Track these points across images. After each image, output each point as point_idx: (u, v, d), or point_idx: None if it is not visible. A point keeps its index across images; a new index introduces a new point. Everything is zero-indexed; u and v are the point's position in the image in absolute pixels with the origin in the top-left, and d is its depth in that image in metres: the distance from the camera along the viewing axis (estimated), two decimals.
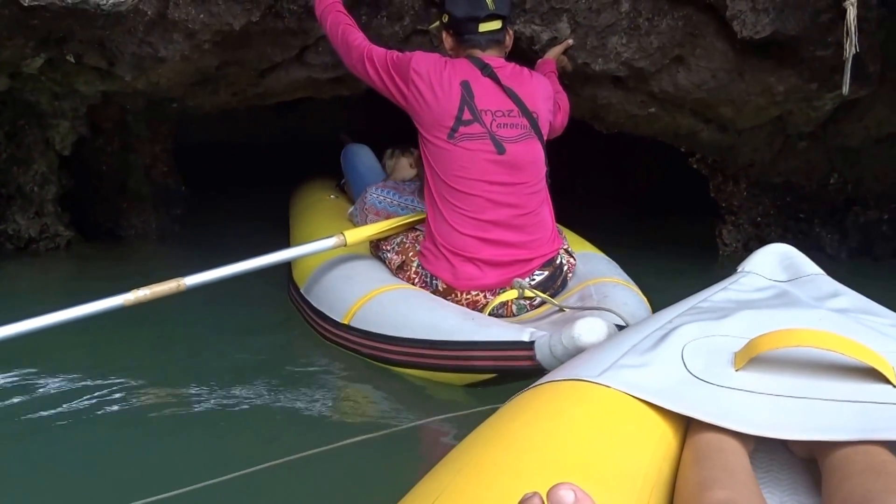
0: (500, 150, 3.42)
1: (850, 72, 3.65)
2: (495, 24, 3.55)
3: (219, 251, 4.16)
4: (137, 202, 5.81)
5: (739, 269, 2.43)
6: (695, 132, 4.85)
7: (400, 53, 3.55)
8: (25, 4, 3.45)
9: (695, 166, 5.36)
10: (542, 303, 3.39)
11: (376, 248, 3.83)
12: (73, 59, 4.13)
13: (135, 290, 3.11)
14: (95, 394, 2.90)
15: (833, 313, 1.95)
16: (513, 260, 3.45)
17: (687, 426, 1.61)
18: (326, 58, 4.50)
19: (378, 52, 3.58)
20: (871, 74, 4.14)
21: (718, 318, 1.93)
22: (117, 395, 2.91)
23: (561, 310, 3.27)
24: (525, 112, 3.49)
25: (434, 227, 3.51)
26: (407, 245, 3.68)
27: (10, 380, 3.00)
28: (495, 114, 3.45)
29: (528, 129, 3.50)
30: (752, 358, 1.68)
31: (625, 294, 3.29)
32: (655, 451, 1.48)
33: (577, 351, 2.50)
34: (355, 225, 4.23)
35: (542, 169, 3.59)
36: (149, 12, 3.76)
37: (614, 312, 2.95)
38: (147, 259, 5.46)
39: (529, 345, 2.68)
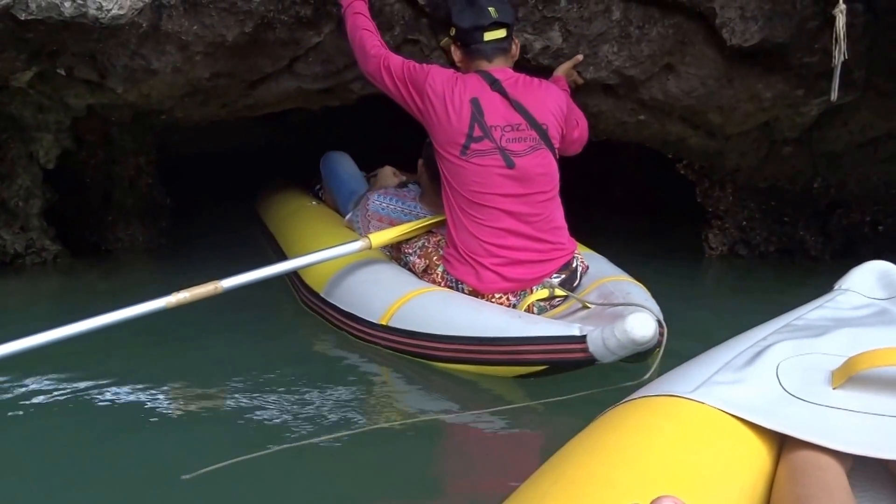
0: (510, 165, 3.55)
1: (839, 78, 3.70)
2: (500, 33, 3.67)
3: (208, 264, 4.30)
4: (123, 215, 5.75)
5: (836, 286, 2.40)
6: (683, 139, 4.92)
7: (417, 65, 3.66)
8: (22, 18, 3.44)
9: (682, 172, 5.42)
10: (561, 302, 3.57)
11: (397, 251, 3.98)
12: (63, 73, 4.12)
13: (175, 293, 3.26)
14: (145, 391, 3.08)
15: None
16: (532, 263, 3.60)
17: (782, 444, 1.59)
18: (317, 68, 4.51)
19: (395, 61, 3.69)
20: (857, 80, 4.21)
21: (815, 336, 1.92)
22: (165, 389, 3.12)
23: (584, 307, 3.40)
24: (534, 124, 3.59)
25: (455, 234, 3.65)
26: (430, 249, 3.84)
27: (57, 383, 3.12)
28: (504, 129, 3.56)
29: (538, 140, 3.60)
30: (851, 376, 1.66)
31: (641, 292, 3.46)
32: (750, 469, 1.50)
33: (630, 343, 2.76)
34: (356, 231, 4.41)
35: (555, 177, 3.70)
36: (143, 24, 3.76)
37: (645, 308, 3.03)
38: (136, 272, 5.43)
39: (581, 338, 2.87)
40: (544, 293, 3.54)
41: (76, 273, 5.17)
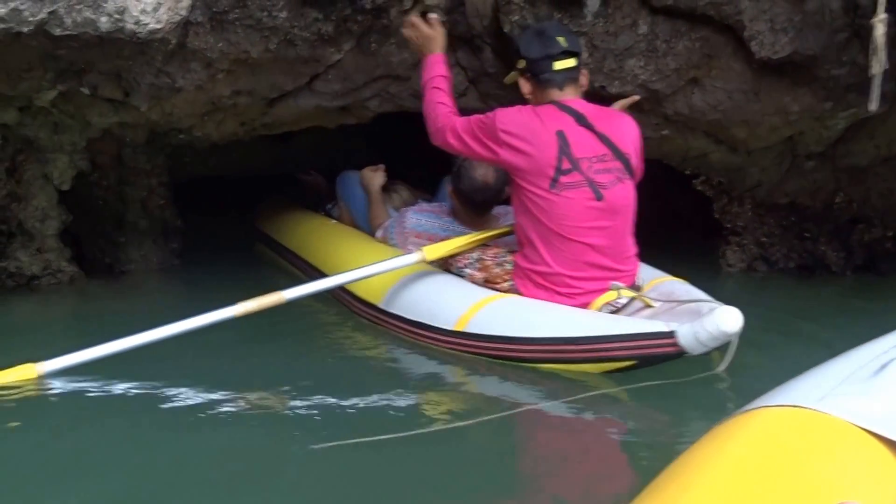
0: (599, 197, 3.58)
1: (878, 88, 3.68)
2: (570, 62, 3.69)
3: (222, 284, 4.41)
4: (136, 236, 5.70)
5: None
6: (705, 154, 4.88)
7: (483, 117, 3.69)
8: (56, 34, 3.41)
9: (699, 188, 5.35)
10: (623, 307, 3.63)
11: (446, 263, 4.03)
12: (88, 91, 4.10)
13: (242, 303, 3.48)
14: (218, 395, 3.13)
15: None
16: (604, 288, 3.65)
17: None
18: (336, 86, 4.52)
19: (460, 123, 3.75)
20: (886, 92, 4.17)
21: None
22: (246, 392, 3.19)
23: (648, 306, 3.56)
24: (618, 154, 3.65)
25: (529, 264, 3.71)
26: (488, 262, 3.92)
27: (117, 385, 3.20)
28: (591, 160, 3.59)
29: (622, 171, 3.65)
30: None
31: (698, 290, 3.64)
32: (884, 485, 1.46)
33: (721, 335, 2.93)
34: (391, 246, 4.55)
35: (635, 208, 3.76)
36: (173, 40, 3.74)
37: (714, 303, 3.27)
38: (151, 293, 5.40)
39: (670, 334, 3.02)
40: (613, 295, 3.61)
41: (92, 294, 5.12)
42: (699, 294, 3.56)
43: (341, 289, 4.24)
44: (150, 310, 4.08)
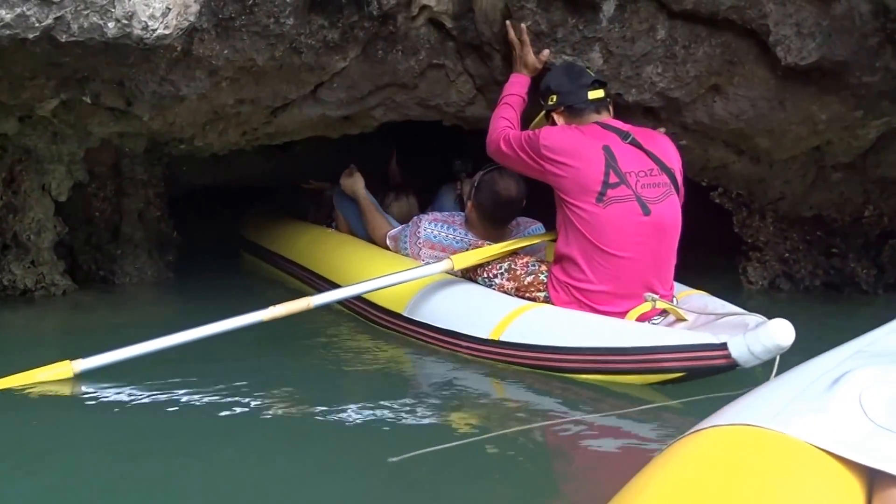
0: (646, 212, 3.60)
1: None
2: (601, 93, 3.81)
3: (218, 298, 4.38)
4: (131, 248, 5.60)
5: None
6: (725, 165, 4.72)
7: (530, 132, 3.78)
8: (63, 40, 3.28)
9: (717, 201, 5.18)
10: (659, 320, 3.71)
11: (474, 273, 4.05)
12: (89, 100, 3.99)
13: (271, 308, 3.58)
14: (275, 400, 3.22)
15: None
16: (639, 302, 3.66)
17: (871, 480, 1.49)
18: (341, 94, 4.43)
19: (513, 134, 3.87)
20: None
21: (894, 363, 1.81)
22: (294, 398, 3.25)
23: (681, 319, 3.64)
24: (664, 169, 3.70)
25: (569, 278, 3.71)
26: (518, 272, 3.93)
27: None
28: (638, 174, 3.62)
29: (669, 185, 3.69)
30: None
31: (728, 303, 3.70)
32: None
33: (775, 348, 2.95)
34: (402, 254, 4.60)
35: (680, 227, 3.77)
36: (178, 47, 3.62)
37: (758, 316, 3.24)
38: (147, 306, 5.30)
39: (722, 346, 3.03)
40: (647, 306, 3.61)
41: (86, 307, 5.02)
42: (733, 307, 3.59)
43: (357, 297, 4.24)
44: (145, 324, 4.04)
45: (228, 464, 2.65)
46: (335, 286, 4.35)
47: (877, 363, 1.81)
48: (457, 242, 4.36)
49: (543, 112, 3.94)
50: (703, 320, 3.54)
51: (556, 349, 3.39)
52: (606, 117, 3.80)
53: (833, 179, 4.87)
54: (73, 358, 3.36)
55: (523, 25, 3.98)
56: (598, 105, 3.79)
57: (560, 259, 3.75)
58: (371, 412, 3.06)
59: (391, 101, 4.59)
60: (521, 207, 4.34)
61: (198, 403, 3.13)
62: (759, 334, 2.97)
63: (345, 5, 3.88)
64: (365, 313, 4.33)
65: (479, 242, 4.23)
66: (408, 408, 3.12)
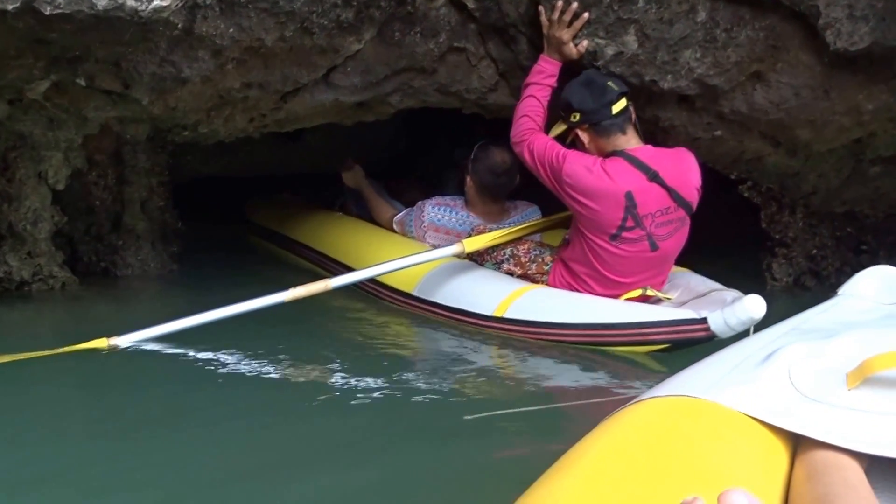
0: (654, 248, 3.82)
1: None
2: (623, 102, 3.80)
3: (223, 291, 4.27)
4: (133, 239, 5.40)
5: (840, 291, 2.46)
6: (760, 157, 4.47)
7: (554, 157, 3.83)
8: (46, 13, 3.02)
9: (745, 194, 4.98)
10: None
11: (482, 258, 4.35)
12: (84, 83, 3.75)
13: (292, 289, 3.87)
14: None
15: None
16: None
17: (796, 445, 1.59)
18: (355, 79, 4.22)
19: (538, 146, 3.92)
20: None
21: (824, 339, 1.92)
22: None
23: (664, 300, 3.97)
24: (682, 203, 3.81)
25: (573, 279, 4.01)
26: (522, 258, 4.25)
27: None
28: (655, 214, 3.77)
29: (683, 219, 3.85)
30: (866, 378, 1.66)
31: (707, 279, 4.10)
32: (767, 468, 1.50)
33: (749, 320, 3.32)
34: (408, 237, 4.93)
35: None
36: (179, 24, 3.37)
37: (734, 292, 3.80)
38: (150, 300, 5.12)
39: (703, 320, 3.43)
40: (638, 292, 3.90)
41: (85, 301, 4.82)
42: (713, 283, 4.02)
43: (371, 280, 4.52)
44: (148, 319, 3.85)
45: (267, 426, 2.84)
46: (347, 268, 4.73)
47: (807, 340, 1.93)
48: (459, 225, 4.68)
49: (561, 118, 3.96)
50: (686, 296, 3.94)
51: (553, 325, 3.76)
52: (632, 134, 3.84)
53: (870, 174, 4.64)
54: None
55: (559, 2, 3.79)
56: (623, 121, 3.81)
57: (565, 261, 4.04)
58: (405, 381, 3.30)
59: (408, 86, 4.40)
60: (516, 178, 4.60)
61: (235, 372, 3.41)
62: (735, 309, 3.35)
63: None
64: (376, 293, 4.63)
65: (482, 226, 4.54)
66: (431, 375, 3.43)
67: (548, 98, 3.99)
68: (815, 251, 5.02)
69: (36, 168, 4.58)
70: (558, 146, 3.86)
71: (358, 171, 5.58)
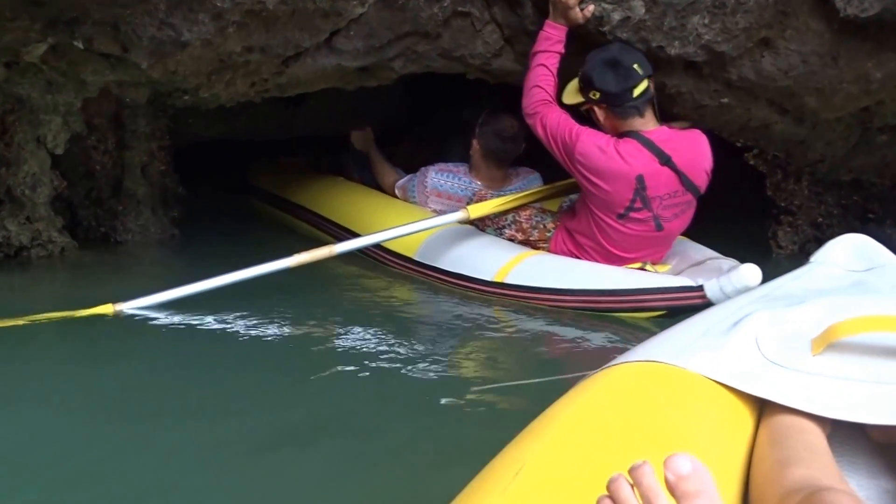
0: (659, 229, 3.89)
1: None
2: (644, 84, 3.79)
3: (225, 256, 4.30)
4: (134, 204, 5.35)
5: (812, 259, 2.45)
6: (767, 125, 4.43)
7: (567, 134, 3.84)
8: None
9: (751, 162, 4.97)
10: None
11: (482, 222, 4.39)
12: (81, 45, 3.69)
13: (296, 255, 3.91)
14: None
15: None
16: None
17: (761, 409, 1.64)
18: (358, 43, 4.14)
19: (551, 120, 3.92)
20: None
21: (792, 306, 1.95)
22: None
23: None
24: (690, 187, 3.86)
25: (576, 248, 4.08)
26: (524, 225, 4.29)
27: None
28: (663, 197, 3.83)
29: (690, 202, 3.92)
30: (830, 344, 1.70)
31: (702, 246, 4.17)
32: (731, 432, 1.55)
33: (744, 288, 3.28)
34: (411, 202, 4.96)
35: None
36: None
37: (730, 260, 3.89)
38: (151, 266, 5.12)
39: (699, 287, 3.49)
40: (638, 264, 4.00)
41: (86, 267, 4.77)
42: (710, 252, 4.09)
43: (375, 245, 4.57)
44: (150, 286, 3.84)
45: (268, 393, 2.88)
46: (349, 232, 4.83)
47: (777, 306, 1.97)
48: (462, 191, 4.72)
49: (580, 89, 3.93)
50: (683, 264, 4.03)
51: (553, 290, 3.82)
52: (650, 116, 3.85)
53: (878, 142, 4.63)
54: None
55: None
56: (642, 104, 3.81)
57: (570, 230, 4.09)
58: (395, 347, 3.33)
59: (412, 51, 4.33)
60: (522, 145, 4.65)
61: (239, 334, 3.45)
62: (731, 277, 3.40)
63: None
64: (377, 257, 4.67)
65: (483, 191, 4.59)
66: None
67: (557, 65, 3.95)
68: (820, 219, 5.02)
69: (34, 132, 4.52)
70: (572, 122, 3.85)
71: (368, 134, 5.59)
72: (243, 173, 6.77)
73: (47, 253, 4.73)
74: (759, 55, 3.97)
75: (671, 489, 0.96)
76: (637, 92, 3.75)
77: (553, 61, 3.93)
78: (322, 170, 6.15)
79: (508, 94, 4.33)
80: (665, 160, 3.76)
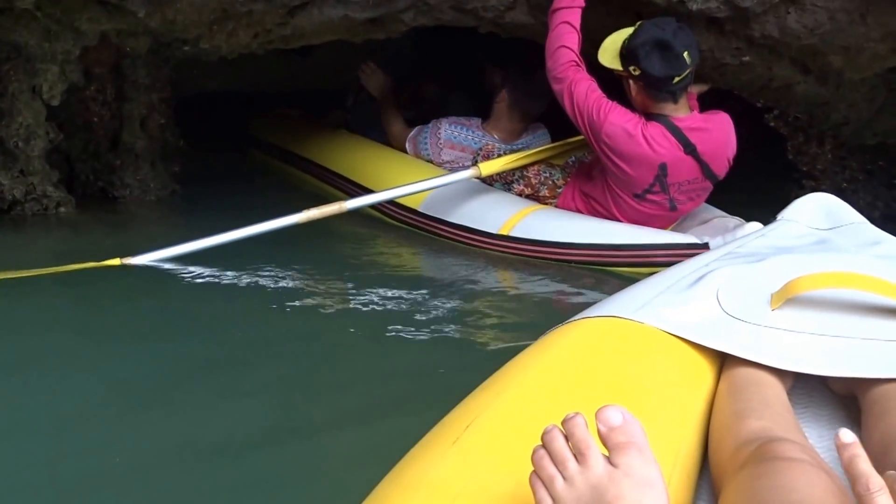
0: (673, 209, 3.93)
1: None
2: (687, 72, 3.70)
3: (228, 213, 4.25)
4: (133, 158, 5.18)
5: (779, 217, 2.47)
6: (789, 85, 4.30)
7: (597, 104, 3.77)
8: None
9: (771, 124, 4.85)
10: None
11: (492, 179, 4.37)
12: None
13: (305, 211, 3.87)
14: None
15: (874, 259, 2.00)
16: None
17: (722, 363, 1.70)
18: None
19: (579, 90, 3.81)
20: None
21: (755, 262, 2.00)
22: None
23: None
24: (709, 175, 3.87)
25: (589, 209, 4.06)
26: (533, 180, 4.30)
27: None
28: (681, 184, 3.85)
29: (707, 189, 3.96)
30: (789, 298, 1.75)
31: (709, 206, 4.15)
32: (691, 385, 1.59)
33: None
34: (424, 157, 4.86)
35: None
36: None
37: (735, 219, 3.91)
38: (149, 223, 4.98)
39: (704, 245, 3.47)
40: None
41: (82, 224, 4.64)
42: (716, 210, 4.10)
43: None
44: (151, 243, 3.80)
45: (277, 354, 2.87)
46: (356, 186, 4.87)
47: (740, 263, 2.03)
48: (474, 143, 4.67)
49: (621, 56, 3.79)
50: (690, 222, 4.05)
51: (558, 244, 3.84)
52: (682, 103, 3.79)
53: None
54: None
55: None
56: (678, 90, 3.74)
57: (585, 193, 4.08)
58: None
59: (423, 3, 4.19)
60: (545, 104, 4.55)
61: (247, 287, 3.48)
62: (737, 235, 3.31)
63: None
64: (381, 209, 4.64)
65: (491, 145, 4.57)
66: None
67: (580, 20, 3.82)
68: (844, 185, 4.89)
69: (30, 81, 4.38)
70: (600, 96, 3.79)
71: (381, 77, 5.41)
72: (247, 126, 6.65)
73: (42, 207, 4.59)
74: (785, 11, 3.82)
75: (603, 440, 1.00)
76: (678, 79, 3.68)
77: (576, 17, 3.80)
78: (323, 123, 6.04)
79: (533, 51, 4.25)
80: (690, 150, 3.76)
